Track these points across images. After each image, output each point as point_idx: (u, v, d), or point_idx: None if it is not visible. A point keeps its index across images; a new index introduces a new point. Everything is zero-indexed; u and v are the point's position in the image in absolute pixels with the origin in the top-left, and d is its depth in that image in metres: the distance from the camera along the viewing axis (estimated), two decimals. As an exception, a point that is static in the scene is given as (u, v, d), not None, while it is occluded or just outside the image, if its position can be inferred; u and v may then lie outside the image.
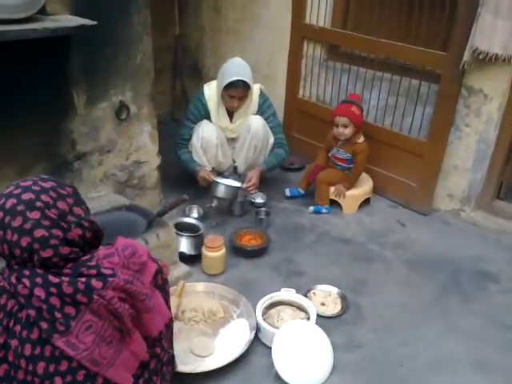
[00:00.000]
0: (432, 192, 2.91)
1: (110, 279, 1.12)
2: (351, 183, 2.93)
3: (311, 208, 2.92)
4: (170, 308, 1.33)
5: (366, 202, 3.04)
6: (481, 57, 2.35)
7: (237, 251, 2.50)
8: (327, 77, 3.21)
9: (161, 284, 1.29)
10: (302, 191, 3.06)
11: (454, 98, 2.63)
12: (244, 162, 2.97)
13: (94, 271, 1.13)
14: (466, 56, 2.39)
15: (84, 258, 1.17)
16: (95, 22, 1.90)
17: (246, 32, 3.58)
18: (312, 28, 3.11)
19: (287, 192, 3.07)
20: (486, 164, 2.74)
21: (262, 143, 2.89)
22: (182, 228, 2.49)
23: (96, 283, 1.11)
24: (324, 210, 2.92)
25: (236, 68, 2.74)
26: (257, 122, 2.85)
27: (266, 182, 3.03)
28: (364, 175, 3.08)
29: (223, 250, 2.33)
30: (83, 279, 1.11)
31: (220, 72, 2.79)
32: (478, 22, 2.29)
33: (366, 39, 2.87)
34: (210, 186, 2.75)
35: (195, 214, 2.80)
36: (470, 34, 2.35)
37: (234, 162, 3.01)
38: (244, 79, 2.68)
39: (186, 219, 2.56)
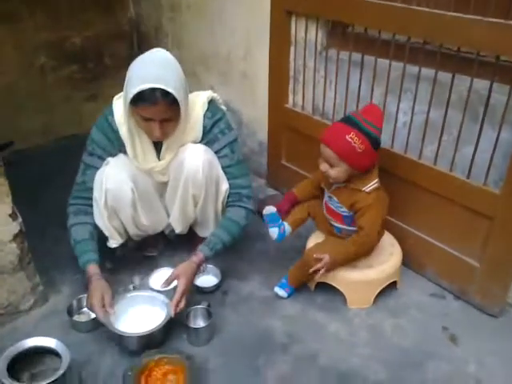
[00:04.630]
0: (508, 279, 1.64)
1: None
2: (342, 258, 1.66)
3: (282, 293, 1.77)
4: None
5: (392, 284, 1.81)
6: None
7: (135, 406, 1.36)
8: (329, 75, 1.97)
9: None
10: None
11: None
12: (180, 220, 1.80)
13: None
14: None
15: None
16: None
17: (212, 8, 2.39)
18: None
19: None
20: None
21: (205, 192, 1.69)
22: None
23: None
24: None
25: (151, 68, 1.48)
26: (195, 157, 1.64)
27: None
28: (388, 239, 1.85)
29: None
30: None
31: (127, 76, 1.54)
32: None
33: (393, 8, 1.61)
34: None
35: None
36: None
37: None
38: (164, 87, 1.44)
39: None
